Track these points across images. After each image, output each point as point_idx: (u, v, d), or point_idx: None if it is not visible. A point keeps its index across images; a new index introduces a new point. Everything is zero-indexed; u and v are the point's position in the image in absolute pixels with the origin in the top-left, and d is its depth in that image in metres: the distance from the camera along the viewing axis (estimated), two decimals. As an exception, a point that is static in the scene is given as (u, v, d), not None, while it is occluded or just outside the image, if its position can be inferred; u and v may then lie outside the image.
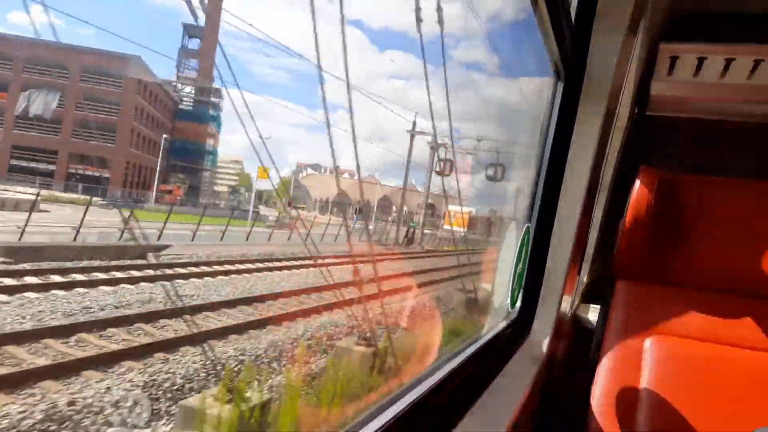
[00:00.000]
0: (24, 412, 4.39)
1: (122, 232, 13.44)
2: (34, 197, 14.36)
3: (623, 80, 1.78)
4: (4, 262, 8.90)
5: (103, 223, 14.91)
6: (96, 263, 10.29)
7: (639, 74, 2.25)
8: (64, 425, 4.38)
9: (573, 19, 1.51)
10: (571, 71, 1.60)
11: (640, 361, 1.43)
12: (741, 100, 2.44)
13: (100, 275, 9.12)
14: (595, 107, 1.62)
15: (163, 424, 4.68)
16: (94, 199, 19.87)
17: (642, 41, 1.94)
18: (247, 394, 4.63)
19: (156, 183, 39.96)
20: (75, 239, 11.67)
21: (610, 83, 1.59)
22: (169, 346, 6.22)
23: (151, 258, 11.75)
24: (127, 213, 19.43)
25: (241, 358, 6.32)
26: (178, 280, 9.96)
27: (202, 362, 5.93)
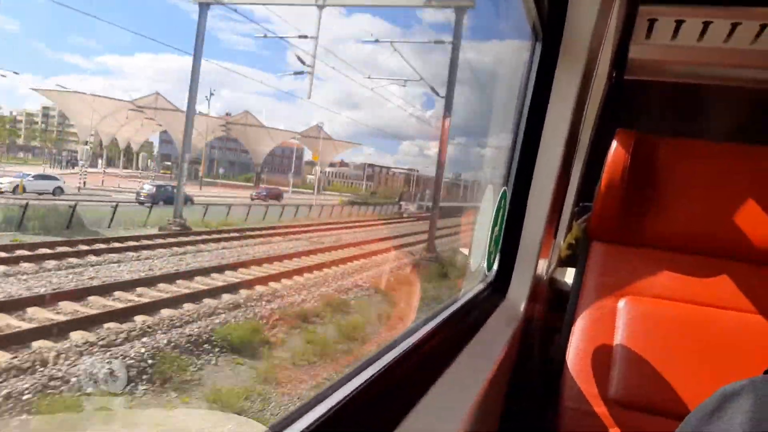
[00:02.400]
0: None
1: None
2: None
3: (601, 43, 1.77)
4: None
5: None
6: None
7: (617, 37, 2.24)
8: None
9: (551, -21, 1.49)
10: (549, 32, 1.59)
11: (614, 321, 1.46)
12: (717, 63, 2.46)
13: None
14: (573, 70, 1.61)
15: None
16: None
17: (620, 3, 1.93)
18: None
19: None
20: None
21: (589, 45, 1.58)
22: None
23: None
24: None
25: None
26: None
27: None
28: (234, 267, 9.96)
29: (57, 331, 5.69)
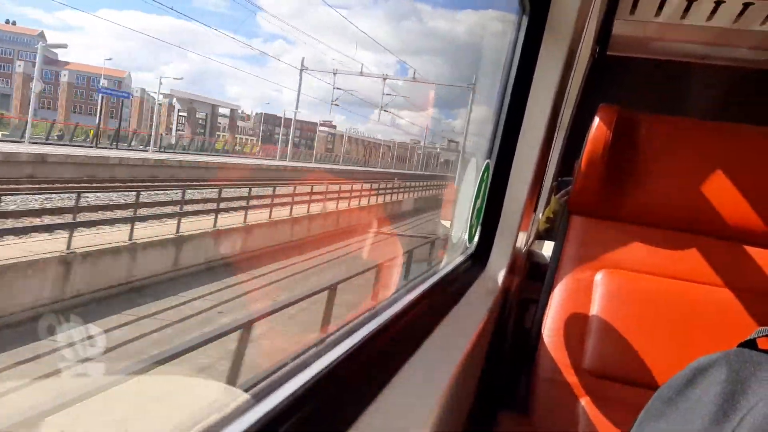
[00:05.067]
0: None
1: None
2: None
3: (587, 18, 1.76)
4: None
5: None
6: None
7: (602, 12, 2.24)
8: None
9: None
10: (536, 5, 1.57)
11: (591, 293, 1.49)
12: (700, 42, 2.47)
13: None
14: (558, 43, 1.60)
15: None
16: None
17: None
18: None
19: None
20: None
21: (574, 20, 1.57)
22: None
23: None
24: None
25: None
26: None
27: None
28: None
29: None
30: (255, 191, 16.00)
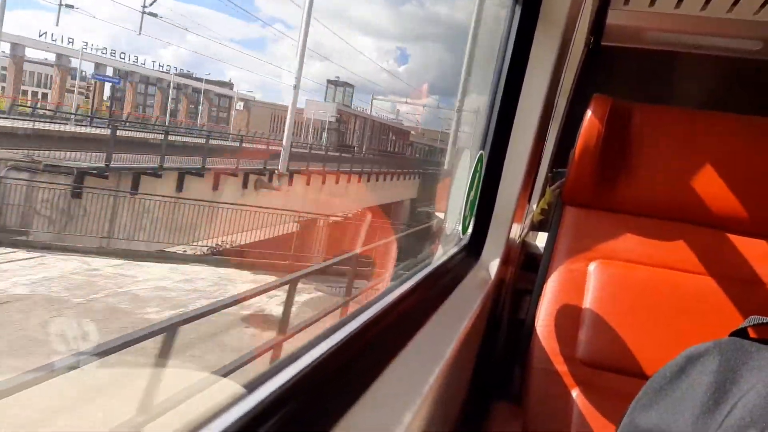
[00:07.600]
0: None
1: None
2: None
3: (580, 7, 1.75)
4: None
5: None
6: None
7: (596, 2, 2.23)
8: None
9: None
10: (529, -6, 1.56)
11: (584, 283, 1.49)
12: (694, 31, 2.46)
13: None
14: (551, 34, 1.59)
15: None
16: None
17: None
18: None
19: None
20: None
21: (568, 10, 1.56)
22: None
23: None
24: None
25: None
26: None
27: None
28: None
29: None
30: None
